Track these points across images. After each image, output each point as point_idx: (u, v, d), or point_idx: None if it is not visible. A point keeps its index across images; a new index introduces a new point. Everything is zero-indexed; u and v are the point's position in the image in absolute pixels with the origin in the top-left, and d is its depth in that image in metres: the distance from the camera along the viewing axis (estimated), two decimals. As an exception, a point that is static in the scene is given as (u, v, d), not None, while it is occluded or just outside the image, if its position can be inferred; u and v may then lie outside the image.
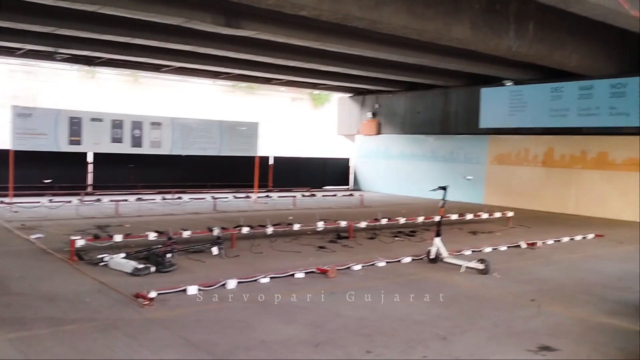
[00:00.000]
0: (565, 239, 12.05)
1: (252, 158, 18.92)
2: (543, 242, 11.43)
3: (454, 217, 13.22)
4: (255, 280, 7.41)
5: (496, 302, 6.94)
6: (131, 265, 7.78)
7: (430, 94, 21.87)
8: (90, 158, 18.67)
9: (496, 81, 18.94)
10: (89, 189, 18.59)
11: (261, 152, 19.41)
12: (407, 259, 9.15)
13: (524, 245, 11.02)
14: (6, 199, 14.32)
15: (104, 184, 18.89)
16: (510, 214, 14.30)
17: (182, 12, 11.54)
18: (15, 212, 13.42)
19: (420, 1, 10.98)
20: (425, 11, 11.04)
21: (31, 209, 13.56)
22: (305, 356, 4.89)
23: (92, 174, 18.92)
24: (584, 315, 6.54)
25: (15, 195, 14.76)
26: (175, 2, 11.38)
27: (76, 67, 21.20)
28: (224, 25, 12.09)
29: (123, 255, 8.35)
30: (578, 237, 12.40)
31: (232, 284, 7.10)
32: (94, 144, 16.11)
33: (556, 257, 10.20)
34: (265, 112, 27.64)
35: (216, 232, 9.59)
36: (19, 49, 16.72)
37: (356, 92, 24.98)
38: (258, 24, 12.40)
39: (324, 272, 7.95)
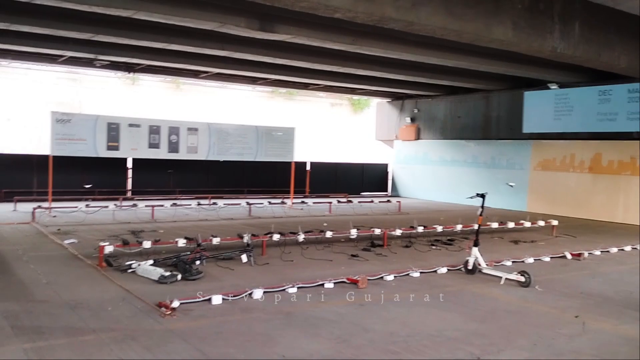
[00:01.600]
0: (614, 250, 11.40)
1: (289, 163, 18.77)
2: (589, 253, 10.82)
3: (495, 225, 12.72)
4: (283, 289, 7.16)
5: (537, 318, 6.49)
6: (158, 272, 7.65)
7: (471, 98, 21.32)
8: (129, 163, 18.89)
9: (540, 84, 18.28)
10: (128, 194, 18.77)
11: (298, 157, 19.24)
12: (443, 270, 8.75)
13: (568, 256, 10.45)
14: (45, 204, 14.51)
15: (142, 189, 19.05)
16: (554, 222, 13.67)
17: (215, 16, 11.46)
18: (54, 216, 13.58)
19: (458, 1, 10.57)
20: (464, 11, 10.62)
21: (69, 214, 13.70)
22: (327, 374, 4.61)
23: (131, 179, 19.12)
24: (633, 334, 6.03)
25: (54, 200, 14.97)
26: (209, 6, 11.30)
27: (118, 74, 21.51)
28: (258, 29, 11.95)
29: (151, 262, 8.25)
30: (627, 248, 11.71)
31: (258, 293, 6.88)
32: (131, 149, 16.23)
33: (603, 269, 9.61)
34: (304, 117, 27.52)
35: (246, 239, 9.40)
36: (60, 56, 17.02)
37: (395, 97, 24.58)
38: (292, 27, 12.22)
39: (354, 283, 7.65)
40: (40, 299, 6.52)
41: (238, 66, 17.35)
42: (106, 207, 14.60)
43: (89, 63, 17.71)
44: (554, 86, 17.93)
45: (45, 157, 15.19)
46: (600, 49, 12.77)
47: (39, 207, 13.65)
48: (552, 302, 7.21)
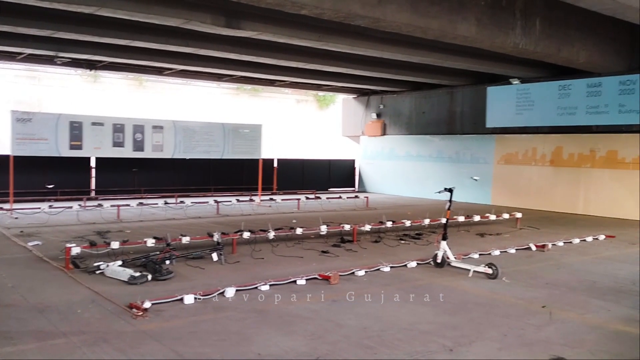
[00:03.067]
0: (576, 241, 11.72)
1: (256, 161, 18.69)
2: (553, 244, 11.11)
3: (461, 218, 12.94)
4: (255, 287, 7.15)
5: (506, 309, 6.64)
6: (127, 273, 7.53)
7: (436, 94, 21.59)
8: (93, 162, 18.52)
9: (503, 80, 18.63)
10: (92, 194, 18.41)
11: (265, 154, 19.17)
12: (413, 264, 8.86)
13: (533, 247, 10.71)
14: (6, 205, 14.13)
15: (106, 189, 18.71)
16: (518, 215, 13.98)
17: (181, 12, 11.33)
18: (15, 218, 13.24)
19: (423, -2, 10.72)
20: (429, 8, 10.76)
21: (31, 215, 13.37)
22: (303, 371, 4.62)
23: (94, 178, 18.76)
24: (598, 323, 6.23)
25: (16, 202, 14.58)
26: (173, 2, 11.17)
27: (79, 71, 21.06)
28: (224, 26, 11.88)
29: (120, 262, 8.13)
30: (589, 239, 12.07)
31: (230, 292, 6.84)
32: (95, 148, 15.88)
33: (567, 260, 9.87)
34: (270, 114, 27.44)
35: (216, 237, 9.33)
36: (20, 54, 16.58)
37: (360, 93, 24.72)
38: (259, 24, 12.17)
39: (326, 279, 7.69)
40: (6, 303, 6.35)
41: (203, 63, 17.19)
42: (70, 207, 14.30)
43: (49, 60, 17.29)
44: (515, 81, 18.29)
45: (6, 157, 14.76)
46: (560, 44, 13.11)
47: (0, 208, 13.26)
48: (520, 293, 7.38)
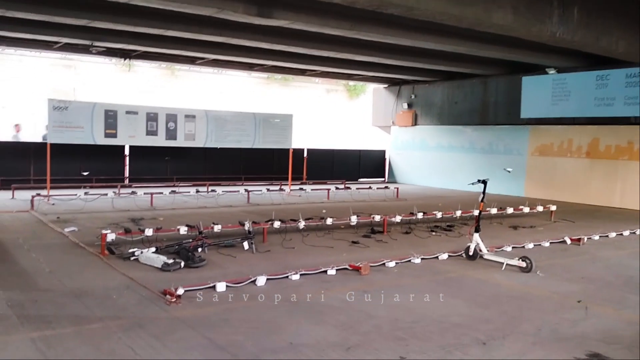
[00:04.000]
0: (612, 235, 11.47)
1: (286, 150, 18.74)
2: (589, 238, 10.88)
3: (494, 211, 12.76)
4: (286, 277, 7.18)
5: (540, 303, 6.54)
6: (161, 260, 7.65)
7: (469, 84, 21.28)
8: (127, 151, 18.82)
9: (538, 69, 18.26)
10: (126, 182, 18.71)
11: (295, 144, 19.20)
12: (444, 256, 8.79)
13: (568, 241, 10.51)
14: (43, 192, 14.46)
15: (140, 177, 19.00)
16: (553, 207, 13.73)
17: (213, 2, 11.35)
18: (52, 204, 13.54)
19: (458, -14, 10.53)
20: (464, -4, 10.57)
21: (67, 202, 13.66)
22: (335, 361, 4.63)
23: (128, 166, 19.07)
24: (636, 318, 6.08)
25: (53, 188, 14.91)
26: (206, -8, 11.21)
27: (114, 60, 21.34)
28: (256, 15, 11.85)
29: (153, 249, 8.25)
30: (626, 232, 11.79)
31: (261, 280, 6.89)
32: (129, 136, 16.13)
33: (603, 254, 9.67)
34: (300, 104, 27.44)
35: (247, 226, 9.40)
36: (56, 43, 16.86)
37: (392, 83, 24.51)
38: (290, 13, 12.11)
39: (356, 269, 7.68)
40: (44, 288, 6.51)
41: (235, 52, 17.25)
42: (105, 194, 14.57)
43: (84, 49, 17.56)
44: (551, 71, 17.91)
45: (42, 144, 15.11)
46: (599, 33, 12.74)
47: (38, 195, 13.59)
48: (554, 287, 7.26)
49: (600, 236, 11.23)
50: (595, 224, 13.10)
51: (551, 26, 11.85)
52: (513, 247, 9.65)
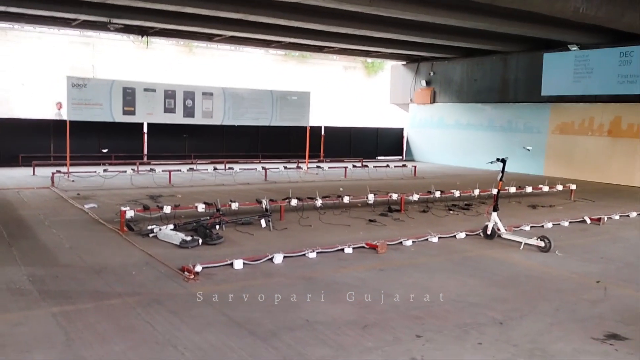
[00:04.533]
0: (633, 214, 11.31)
1: (303, 128, 18.69)
2: (609, 218, 10.75)
3: (512, 189, 12.63)
4: (303, 255, 7.21)
5: (558, 283, 6.49)
6: (179, 237, 7.71)
7: (489, 60, 20.95)
8: (145, 128, 18.92)
9: (559, 46, 17.91)
10: (145, 159, 18.85)
11: (313, 122, 19.14)
12: (462, 235, 8.74)
13: (588, 220, 10.40)
14: (63, 169, 14.63)
15: (158, 154, 19.12)
16: (572, 186, 13.57)
17: (231, -22, 11.27)
18: (72, 181, 13.71)
19: (479, -40, 10.32)
20: (485, -29, 10.37)
21: (87, 179, 13.81)
22: (351, 339, 4.64)
23: (146, 143, 19.18)
24: (656, 300, 6.02)
25: (72, 165, 15.07)
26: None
27: (131, 37, 21.36)
28: (273, -9, 11.76)
29: (172, 226, 8.32)
30: (647, 213, 11.63)
31: (278, 258, 6.92)
32: (147, 114, 16.21)
33: (623, 234, 9.55)
34: (317, 81, 27.28)
35: (264, 204, 9.43)
36: (74, 20, 16.90)
37: (410, 60, 24.23)
38: (308, -12, 12.00)
39: (373, 248, 7.67)
40: (64, 264, 6.61)
41: (252, 29, 17.16)
42: (124, 171, 14.69)
43: (102, 27, 17.57)
44: (574, 47, 17.56)
45: (62, 121, 15.24)
46: (623, 9, 12.44)
47: (58, 171, 13.75)
48: (573, 268, 7.20)
49: (620, 216, 11.09)
50: (615, 203, 12.92)
51: (575, 1, 11.60)
52: (532, 227, 9.57)
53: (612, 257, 7.88)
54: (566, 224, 10.10)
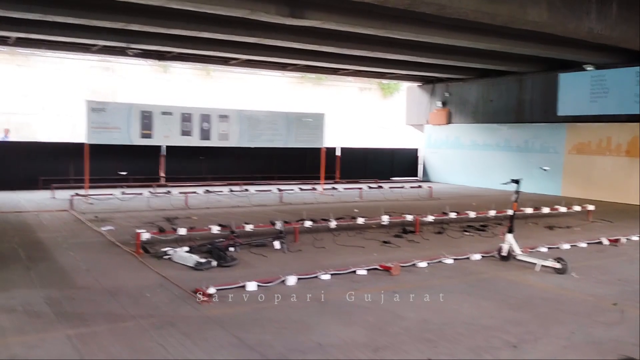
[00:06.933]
0: (652, 235, 11.15)
1: (319, 149, 18.79)
2: (627, 239, 10.60)
3: (529, 210, 12.54)
4: (316, 276, 7.22)
5: (574, 306, 6.41)
6: (194, 259, 7.77)
7: (504, 81, 20.96)
8: (162, 151, 19.15)
9: (575, 66, 17.88)
10: (162, 181, 19.04)
11: (328, 143, 19.23)
12: (477, 256, 8.69)
13: (605, 241, 10.27)
14: (82, 192, 14.84)
15: (175, 176, 19.30)
16: (590, 207, 13.43)
17: (246, 3, 11.49)
18: (90, 204, 13.88)
19: (491, -17, 10.40)
20: (497, -7, 10.43)
21: (105, 201, 13.99)
22: (363, 362, 4.64)
23: (164, 166, 19.38)
24: (674, 323, 5.92)
25: (91, 188, 15.29)
26: (239, -6, 11.33)
27: (149, 62, 21.76)
28: (288, 16, 11.94)
29: (186, 248, 8.39)
30: (667, 233, 11.44)
31: (292, 280, 6.94)
32: (164, 137, 16.43)
33: (642, 256, 9.41)
34: (333, 102, 27.46)
35: (279, 225, 9.48)
36: (94, 45, 17.30)
37: (425, 81, 24.32)
38: (322, 13, 12.16)
39: (387, 269, 7.66)
40: (81, 286, 6.69)
41: (268, 52, 17.39)
42: (140, 194, 14.86)
43: (121, 52, 17.97)
44: (590, 67, 17.51)
45: (81, 145, 15.51)
46: (639, 29, 12.40)
47: (76, 194, 13.95)
48: (589, 290, 7.11)
49: (639, 237, 10.93)
50: (634, 224, 12.74)
51: (589, 22, 11.61)
52: (548, 248, 9.48)
53: (629, 279, 7.77)
54: (584, 245, 9.98)
